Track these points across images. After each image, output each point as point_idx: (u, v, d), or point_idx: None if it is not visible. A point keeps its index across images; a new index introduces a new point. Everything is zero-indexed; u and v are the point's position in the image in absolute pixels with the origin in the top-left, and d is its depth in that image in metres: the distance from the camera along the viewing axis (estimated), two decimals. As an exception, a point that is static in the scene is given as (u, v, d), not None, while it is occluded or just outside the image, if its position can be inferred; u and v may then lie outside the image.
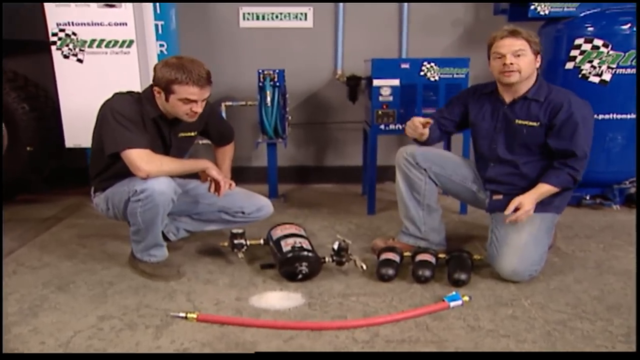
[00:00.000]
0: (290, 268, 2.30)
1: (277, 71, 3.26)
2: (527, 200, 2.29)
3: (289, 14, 3.75)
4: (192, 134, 2.44)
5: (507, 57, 2.27)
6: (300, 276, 2.31)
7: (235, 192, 2.47)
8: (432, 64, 3.04)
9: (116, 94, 2.23)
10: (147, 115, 2.22)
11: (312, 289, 2.27)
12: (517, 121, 2.37)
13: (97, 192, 2.40)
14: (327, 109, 3.86)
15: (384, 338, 1.91)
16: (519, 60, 2.27)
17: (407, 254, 2.49)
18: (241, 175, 3.81)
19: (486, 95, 2.50)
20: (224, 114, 3.57)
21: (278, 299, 2.20)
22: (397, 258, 2.42)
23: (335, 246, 2.38)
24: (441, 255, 2.45)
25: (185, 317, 2.03)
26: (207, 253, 2.64)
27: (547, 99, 2.33)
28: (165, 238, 2.62)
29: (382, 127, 3.11)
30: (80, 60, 2.91)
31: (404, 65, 3.05)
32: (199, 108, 2.18)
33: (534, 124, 2.34)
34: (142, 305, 2.14)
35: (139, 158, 2.10)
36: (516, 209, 2.28)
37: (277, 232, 2.50)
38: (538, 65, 2.34)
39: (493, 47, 2.33)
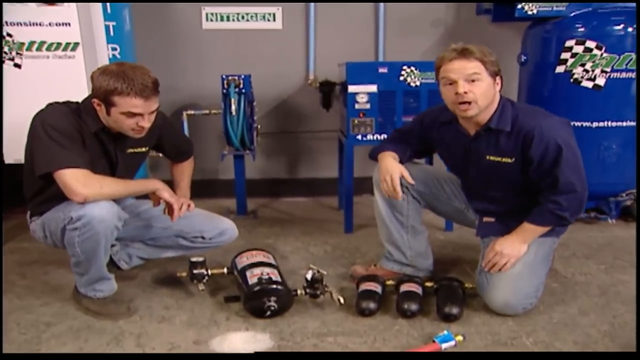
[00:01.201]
0: (257, 303, 2.01)
1: (242, 76, 2.96)
2: (508, 247, 2.01)
3: (256, 14, 3.45)
4: (143, 149, 2.13)
5: (459, 84, 1.87)
6: (268, 312, 2.01)
7: (194, 214, 2.17)
8: (413, 68, 2.77)
9: (50, 104, 1.91)
10: (87, 129, 1.90)
11: (282, 328, 1.98)
12: (488, 157, 2.03)
13: (34, 216, 2.06)
14: (299, 117, 3.58)
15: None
16: (474, 87, 1.87)
17: (389, 282, 2.22)
18: (207, 189, 3.52)
19: (445, 125, 2.13)
20: (185, 124, 3.26)
21: (243, 341, 1.90)
22: (378, 288, 2.14)
23: (309, 276, 2.09)
24: (428, 284, 2.18)
25: (132, 371, 1.72)
26: (164, 283, 2.32)
27: (515, 127, 1.94)
28: (117, 266, 2.31)
29: (359, 137, 2.83)
30: (18, 65, 2.57)
31: (381, 70, 2.78)
32: (146, 122, 1.87)
33: (508, 159, 1.99)
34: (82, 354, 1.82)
35: (75, 180, 1.78)
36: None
37: (243, 261, 2.20)
38: (499, 88, 1.96)
39: (441, 71, 1.93)
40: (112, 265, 2.30)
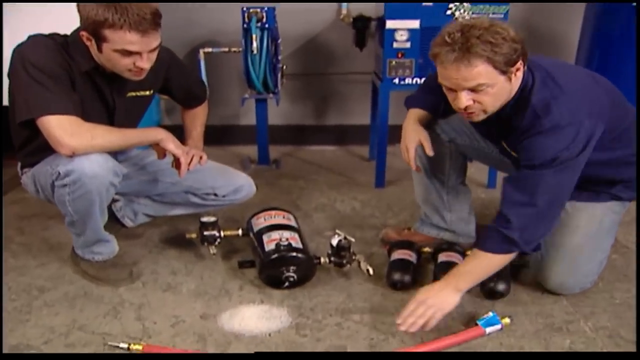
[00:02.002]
0: (274, 273, 1.76)
1: (265, 9, 2.60)
2: (433, 295, 1.52)
3: (282, -63, 3.04)
4: (147, 92, 1.84)
5: (460, 96, 1.44)
6: (287, 284, 1.76)
7: (206, 168, 1.90)
8: (462, 2, 2.37)
9: (32, 36, 1.61)
10: (77, 68, 1.61)
11: (302, 301, 1.73)
12: (502, 143, 1.69)
13: (24, 168, 1.82)
14: (328, 57, 3.21)
15: (397, 386, 1.38)
16: (480, 96, 1.43)
17: (426, 250, 1.94)
18: (226, 136, 3.25)
19: None
20: (202, 64, 2.94)
21: (256, 317, 1.66)
22: (413, 257, 1.86)
23: (334, 242, 1.82)
24: (469, 253, 1.89)
25: (128, 349, 1.50)
26: (173, 243, 2.09)
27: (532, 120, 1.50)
28: (121, 223, 2.08)
29: (396, 80, 2.48)
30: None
31: (425, 3, 2.39)
32: (144, 63, 1.57)
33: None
34: (75, 327, 1.61)
35: (60, 128, 1.52)
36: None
37: (260, 222, 1.94)
38: (519, 74, 1.47)
39: (438, 68, 1.45)
40: (116, 222, 2.07)
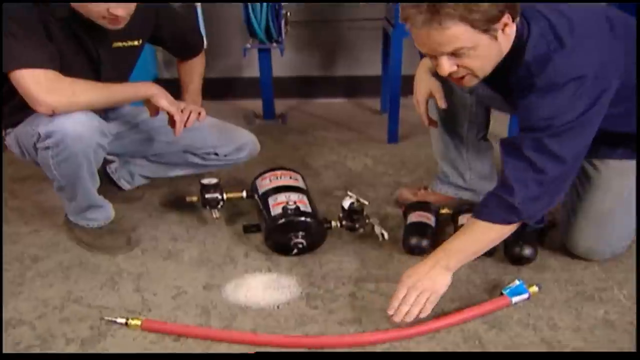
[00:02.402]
0: (282, 239, 1.63)
1: (266, -51, 2.39)
2: (422, 277, 1.34)
3: None
4: (135, 42, 1.66)
5: (440, 63, 1.26)
6: (295, 250, 1.64)
7: (205, 126, 1.75)
8: None
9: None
10: (52, 15, 1.44)
11: (312, 269, 1.61)
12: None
13: (7, 128, 1.67)
14: (336, 2, 2.99)
15: (417, 364, 1.27)
16: (464, 61, 1.25)
17: (445, 211, 1.80)
18: (229, 89, 3.08)
19: None
20: (199, 11, 2.73)
21: (263, 287, 1.55)
22: (431, 220, 1.72)
23: (346, 205, 1.69)
24: (493, 214, 1.75)
25: (126, 324, 1.40)
26: (174, 206, 1.96)
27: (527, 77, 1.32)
28: (117, 186, 1.95)
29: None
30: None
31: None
32: (120, 10, 1.39)
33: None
34: (70, 300, 1.51)
35: (36, 84, 1.36)
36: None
37: (265, 184, 1.80)
38: (510, 32, 1.26)
39: (411, 33, 1.25)
40: (112, 184, 1.94)
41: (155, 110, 1.60)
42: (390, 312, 1.34)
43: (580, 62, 1.27)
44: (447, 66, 1.26)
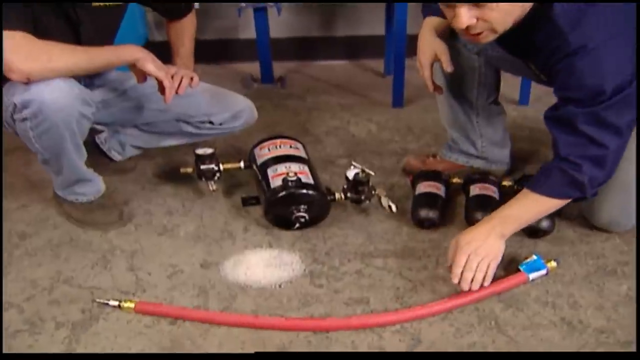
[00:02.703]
0: (282, 213, 1.54)
1: None
2: (480, 243, 1.28)
3: None
4: (117, 1, 1.53)
5: (460, 13, 1.14)
6: (297, 225, 1.54)
7: (198, 92, 1.64)
8: None
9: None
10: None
11: (316, 244, 1.52)
12: (531, 65, 1.38)
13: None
14: (336, -44, 2.82)
15: (430, 343, 1.19)
16: (485, 12, 1.13)
17: (455, 180, 1.70)
18: (224, 51, 2.94)
19: None
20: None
21: (264, 265, 1.46)
22: (441, 190, 1.62)
23: (350, 175, 1.58)
24: (507, 184, 1.66)
25: (119, 307, 1.31)
26: (169, 178, 1.85)
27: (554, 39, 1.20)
28: (108, 157, 1.84)
29: (416, -18, 2.13)
30: None
31: None
32: None
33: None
34: (59, 281, 1.42)
35: (9, 49, 1.24)
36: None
37: (263, 153, 1.69)
38: None
39: None
40: (102, 155, 1.83)
41: (142, 75, 1.48)
42: (455, 280, 1.27)
43: (616, 18, 1.14)
44: (465, 18, 1.13)
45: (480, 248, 1.27)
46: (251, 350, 1.20)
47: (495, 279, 1.31)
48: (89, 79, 1.56)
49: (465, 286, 1.26)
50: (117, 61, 1.41)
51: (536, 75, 1.41)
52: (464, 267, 1.27)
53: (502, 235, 1.31)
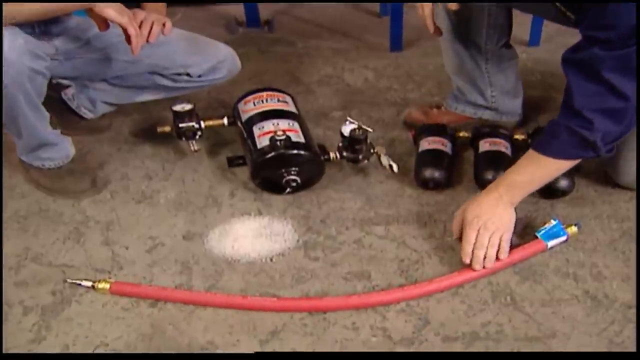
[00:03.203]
0: (271, 176, 1.39)
1: None
2: (489, 214, 1.16)
3: None
4: None
5: None
6: (288, 190, 1.40)
7: (172, 41, 1.45)
8: None
9: None
10: None
11: (310, 210, 1.38)
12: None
13: None
14: None
15: (438, 324, 1.07)
16: None
17: (462, 134, 1.54)
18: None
19: None
20: None
21: (253, 236, 1.32)
22: (447, 146, 1.47)
23: (346, 131, 1.42)
24: (519, 137, 1.50)
25: (93, 288, 1.18)
26: (147, 137, 1.68)
27: None
28: (79, 115, 1.67)
29: None
30: None
31: None
32: None
33: None
34: (27, 258, 1.28)
35: None
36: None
37: (249, 108, 1.52)
38: None
39: None
40: (72, 113, 1.65)
41: (103, 22, 1.27)
42: (467, 260, 1.16)
43: None
44: None
45: (489, 221, 1.15)
46: (240, 335, 1.08)
47: (510, 248, 1.18)
48: (44, 26, 1.36)
49: (477, 266, 1.14)
50: (71, 6, 1.21)
51: (561, 13, 1.23)
52: (475, 244, 1.14)
53: (510, 202, 1.18)
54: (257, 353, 1.03)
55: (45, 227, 1.37)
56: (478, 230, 1.15)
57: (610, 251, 1.21)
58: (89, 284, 1.18)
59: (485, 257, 1.14)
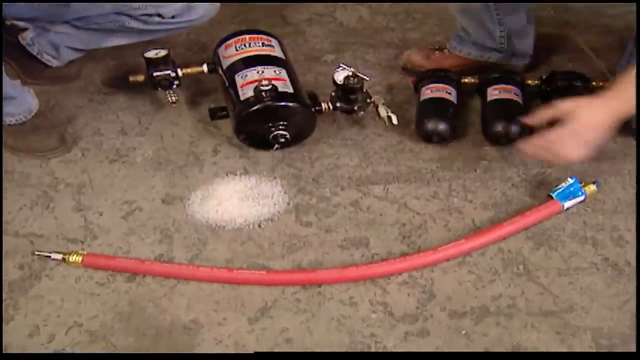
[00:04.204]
0: (257, 131, 1.25)
1: None
2: (588, 116, 1.01)
3: None
4: None
5: None
6: (277, 146, 1.26)
7: (141, -23, 1.27)
8: None
9: None
10: None
11: (301, 168, 1.26)
12: None
13: None
14: None
15: (444, 298, 0.98)
16: None
17: (468, 80, 1.40)
18: None
19: None
20: None
21: (239, 199, 1.20)
22: (452, 94, 1.33)
23: (339, 78, 1.28)
24: (531, 82, 1.36)
25: (63, 260, 1.07)
26: (122, 86, 1.50)
27: None
28: (42, 63, 1.50)
29: None
30: None
31: None
32: None
33: None
34: (-10, 228, 1.17)
35: None
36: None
37: (230, 53, 1.35)
38: None
39: None
40: (35, 61, 1.48)
41: None
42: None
43: None
44: None
45: (586, 119, 1.00)
46: (227, 312, 0.99)
47: (522, 209, 1.07)
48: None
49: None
50: None
51: None
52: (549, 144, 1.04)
53: (612, 114, 1.01)
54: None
55: (10, 191, 1.24)
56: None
57: (633, 212, 1.10)
58: (60, 256, 1.07)
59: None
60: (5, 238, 1.14)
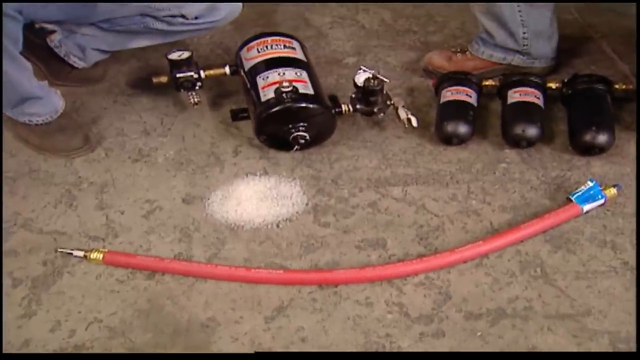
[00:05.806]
0: (277, 132, 1.26)
1: None
2: None
3: None
4: None
5: None
6: (297, 147, 1.28)
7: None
8: None
9: None
10: None
11: (320, 169, 1.27)
12: None
13: None
14: None
15: (460, 299, 0.97)
16: None
17: (489, 82, 1.39)
18: None
19: None
20: None
21: (258, 199, 1.21)
22: (472, 97, 1.33)
23: (360, 81, 1.28)
24: (553, 85, 1.35)
25: (85, 258, 1.09)
26: (145, 87, 1.54)
27: None
28: (69, 65, 1.54)
29: None
30: None
31: None
32: None
33: None
34: (17, 224, 1.20)
35: None
36: None
37: (252, 55, 1.37)
38: None
39: None
40: (62, 62, 1.52)
41: None
42: None
43: None
44: None
45: None
46: (244, 311, 1.00)
47: (540, 212, 1.07)
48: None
49: None
50: None
51: None
52: None
53: None
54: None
55: (35, 189, 1.28)
56: None
57: (654, 216, 1.09)
58: (81, 254, 1.09)
59: None
60: (29, 235, 1.17)
